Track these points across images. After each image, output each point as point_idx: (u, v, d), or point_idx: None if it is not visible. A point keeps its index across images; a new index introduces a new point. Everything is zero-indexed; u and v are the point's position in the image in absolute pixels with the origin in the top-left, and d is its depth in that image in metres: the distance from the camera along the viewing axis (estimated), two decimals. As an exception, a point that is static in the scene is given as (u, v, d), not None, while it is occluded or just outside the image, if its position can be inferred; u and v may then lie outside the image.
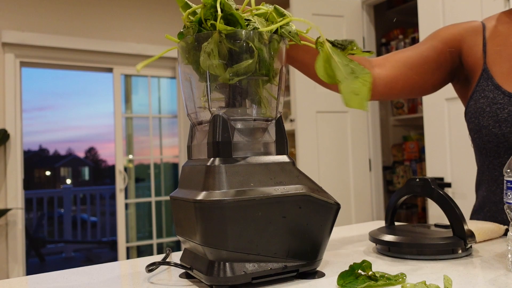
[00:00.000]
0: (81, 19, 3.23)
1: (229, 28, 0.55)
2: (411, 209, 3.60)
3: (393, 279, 0.54)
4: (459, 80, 0.97)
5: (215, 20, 0.56)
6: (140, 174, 3.82)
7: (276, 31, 0.60)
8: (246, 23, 0.57)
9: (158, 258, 0.74)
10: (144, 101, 3.69)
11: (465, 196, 2.10)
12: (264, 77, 0.59)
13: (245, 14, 0.59)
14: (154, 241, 3.62)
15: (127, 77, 3.62)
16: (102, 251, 6.71)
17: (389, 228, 0.77)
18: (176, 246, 3.80)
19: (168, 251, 0.72)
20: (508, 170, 0.58)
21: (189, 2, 0.60)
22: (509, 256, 0.58)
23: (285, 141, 0.61)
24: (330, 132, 2.85)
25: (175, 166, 3.90)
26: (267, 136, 0.60)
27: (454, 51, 0.92)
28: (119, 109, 3.42)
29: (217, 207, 0.52)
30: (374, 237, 0.72)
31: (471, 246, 0.69)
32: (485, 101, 0.86)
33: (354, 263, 0.55)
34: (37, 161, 18.17)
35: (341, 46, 0.61)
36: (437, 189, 0.71)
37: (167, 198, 3.64)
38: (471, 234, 0.67)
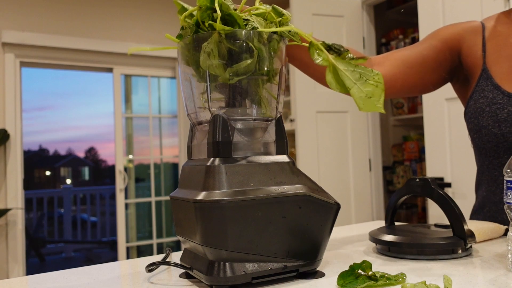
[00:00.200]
0: (81, 19, 3.23)
1: (227, 28, 0.55)
2: (411, 209, 3.60)
3: (393, 279, 0.54)
4: (459, 80, 0.97)
5: (213, 21, 0.56)
6: (140, 174, 3.82)
7: (276, 31, 0.60)
8: (245, 23, 0.57)
9: (158, 258, 0.74)
10: (144, 101, 3.69)
11: (465, 196, 2.10)
12: (264, 77, 0.59)
13: (243, 14, 0.59)
14: (154, 241, 3.62)
15: (127, 77, 3.62)
16: (102, 251, 6.71)
17: (389, 228, 0.77)
18: (176, 246, 3.80)
19: (168, 251, 0.72)
20: (508, 170, 0.58)
21: (185, 5, 0.60)
22: (509, 256, 0.58)
23: (285, 141, 0.61)
24: (330, 132, 2.85)
25: (175, 166, 3.90)
26: (267, 136, 0.60)
27: (453, 51, 0.93)
28: (119, 109, 3.42)
29: (217, 207, 0.52)
30: (374, 237, 0.72)
31: (471, 246, 0.69)
32: (485, 101, 0.86)
33: (354, 263, 0.55)
34: (37, 161, 18.17)
35: (338, 51, 0.61)
36: (437, 189, 0.71)
37: (167, 198, 3.64)
38: (471, 234, 0.67)
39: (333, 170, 2.85)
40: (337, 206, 0.60)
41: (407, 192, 0.77)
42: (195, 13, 0.58)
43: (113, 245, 5.94)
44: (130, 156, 3.69)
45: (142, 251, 3.69)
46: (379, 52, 3.49)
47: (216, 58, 0.56)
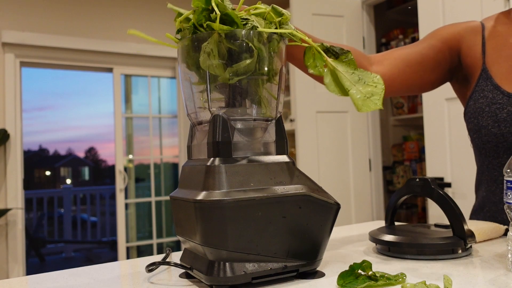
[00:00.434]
0: (81, 19, 3.23)
1: (225, 27, 0.55)
2: (411, 209, 3.60)
3: (393, 279, 0.54)
4: (458, 80, 0.97)
5: (210, 21, 0.56)
6: (140, 174, 3.82)
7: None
8: (244, 23, 0.57)
9: (158, 258, 0.74)
10: (144, 101, 3.69)
11: (465, 196, 2.10)
12: (264, 77, 0.59)
13: (241, 13, 0.59)
14: (154, 241, 3.62)
15: (127, 77, 3.62)
16: (102, 251, 6.71)
17: (389, 228, 0.77)
18: (176, 246, 3.80)
19: (168, 251, 0.72)
20: (508, 170, 0.58)
21: (181, 11, 0.60)
22: (509, 256, 0.58)
23: (285, 141, 0.61)
24: (330, 132, 2.85)
25: (175, 166, 3.90)
26: (267, 136, 0.60)
27: (453, 51, 0.93)
28: (119, 109, 3.42)
29: (217, 207, 0.52)
30: (374, 237, 0.72)
31: (471, 246, 0.69)
32: (484, 101, 0.86)
33: (354, 263, 0.55)
34: (37, 161, 18.17)
35: (335, 54, 0.61)
36: (437, 189, 0.71)
37: (167, 198, 3.64)
38: (471, 234, 0.67)
39: (333, 170, 2.85)
40: (337, 206, 0.60)
41: (407, 192, 0.77)
42: (190, 16, 0.59)
43: (113, 245, 5.94)
44: (130, 156, 3.69)
45: (142, 251, 3.69)
46: (379, 52, 3.49)
47: (216, 58, 0.56)
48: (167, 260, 0.68)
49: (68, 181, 17.14)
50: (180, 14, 0.60)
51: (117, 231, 3.37)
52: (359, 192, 2.93)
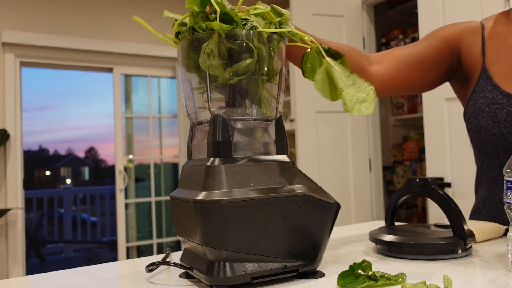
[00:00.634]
0: (81, 19, 3.23)
1: (225, 26, 0.55)
2: (411, 209, 3.60)
3: (393, 279, 0.54)
4: (458, 80, 0.97)
5: (206, 24, 0.56)
6: (140, 174, 3.82)
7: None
8: (244, 22, 0.57)
9: (158, 258, 0.74)
10: (144, 101, 3.69)
11: (465, 196, 2.10)
12: (264, 77, 0.59)
13: (241, 13, 0.59)
14: (154, 241, 3.62)
15: (127, 77, 3.62)
16: (102, 251, 6.71)
17: (389, 228, 0.77)
18: (176, 246, 3.80)
19: (168, 251, 0.72)
20: (508, 170, 0.58)
21: (177, 17, 0.60)
22: (509, 256, 0.58)
23: (285, 141, 0.61)
24: (330, 132, 2.85)
25: (175, 166, 3.90)
26: (267, 136, 0.60)
27: (453, 51, 0.93)
28: (119, 109, 3.42)
29: (217, 207, 0.52)
30: (374, 237, 0.72)
31: (471, 246, 0.69)
32: (484, 101, 0.86)
33: (354, 263, 0.55)
34: (37, 161, 18.18)
35: (333, 56, 0.61)
36: (437, 189, 0.71)
37: (167, 198, 3.64)
38: (471, 234, 0.67)
39: (333, 170, 2.85)
40: (337, 206, 0.60)
41: (407, 192, 0.77)
42: (187, 20, 0.59)
43: (113, 245, 5.94)
44: (130, 156, 3.69)
45: (142, 251, 3.69)
46: (379, 52, 3.48)
47: (216, 59, 0.56)
48: (167, 260, 0.68)
49: (68, 181, 17.14)
50: (177, 24, 0.60)
51: (117, 231, 3.37)
52: (359, 192, 2.93)
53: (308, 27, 2.72)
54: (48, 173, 17.54)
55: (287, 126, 3.02)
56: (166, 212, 3.72)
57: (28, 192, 7.03)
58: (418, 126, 3.46)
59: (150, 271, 0.63)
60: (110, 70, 3.43)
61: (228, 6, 0.57)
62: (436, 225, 0.77)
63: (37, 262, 5.89)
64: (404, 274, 0.56)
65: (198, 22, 0.57)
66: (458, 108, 1.93)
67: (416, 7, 2.38)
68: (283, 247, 0.56)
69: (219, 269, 0.53)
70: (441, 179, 2.23)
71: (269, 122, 0.61)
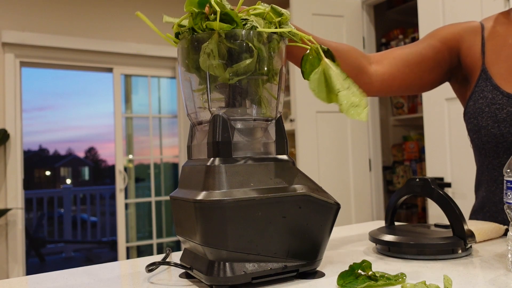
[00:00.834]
0: (81, 19, 3.23)
1: (225, 25, 0.55)
2: (411, 209, 3.60)
3: (393, 279, 0.54)
4: (458, 80, 0.97)
5: (206, 24, 0.56)
6: (140, 174, 3.82)
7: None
8: (244, 23, 0.57)
9: (158, 258, 0.74)
10: (144, 101, 3.69)
11: (465, 196, 2.10)
12: (264, 77, 0.59)
13: (241, 13, 0.59)
14: (154, 241, 3.62)
15: (127, 77, 3.62)
16: (102, 251, 6.71)
17: (389, 228, 0.77)
18: (176, 246, 3.80)
19: (168, 251, 0.72)
20: (508, 170, 0.58)
21: (175, 21, 0.61)
22: (509, 256, 0.58)
23: (285, 141, 0.61)
24: (330, 132, 2.85)
25: (175, 166, 3.90)
26: (267, 136, 0.60)
27: (452, 51, 0.93)
28: (119, 109, 3.42)
29: (217, 207, 0.52)
30: (374, 237, 0.72)
31: (471, 246, 0.69)
32: (484, 102, 0.86)
33: (354, 263, 0.55)
34: (37, 161, 18.18)
35: (332, 57, 0.61)
36: (437, 189, 0.71)
37: (167, 198, 3.64)
38: (471, 234, 0.67)
39: (333, 170, 2.85)
40: (337, 206, 0.60)
41: (407, 192, 0.77)
42: (184, 22, 0.59)
43: (113, 245, 5.94)
44: (130, 156, 3.69)
45: (142, 251, 3.69)
46: (379, 52, 3.48)
47: (216, 59, 0.56)
48: (167, 260, 0.68)
49: (68, 181, 17.15)
50: (177, 25, 0.60)
51: (117, 231, 3.37)
52: (359, 192, 2.93)
53: (308, 27, 2.72)
54: (48, 173, 17.55)
55: (287, 126, 3.02)
56: (166, 212, 3.72)
57: (28, 192, 7.04)
58: (418, 126, 3.46)
59: (150, 271, 0.63)
60: (110, 70, 3.43)
61: (228, 6, 0.57)
62: (436, 225, 0.77)
63: (37, 262, 5.89)
64: (404, 274, 0.56)
65: (197, 23, 0.57)
66: (458, 108, 1.93)
67: (416, 7, 2.38)
68: (283, 247, 0.56)
69: (219, 269, 0.53)
70: (441, 179, 2.23)
71: (269, 122, 0.61)
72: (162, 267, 0.69)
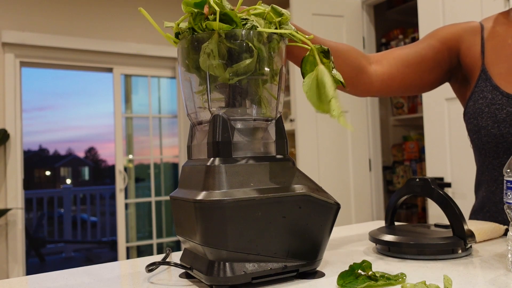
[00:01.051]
0: (81, 19, 3.23)
1: (225, 26, 0.55)
2: (411, 209, 3.60)
3: (393, 279, 0.54)
4: (457, 80, 0.97)
5: (206, 24, 0.56)
6: (140, 174, 3.82)
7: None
8: (244, 22, 0.57)
9: (158, 258, 0.74)
10: (144, 101, 3.69)
11: (465, 196, 2.10)
12: (264, 77, 0.59)
13: (241, 14, 0.59)
14: (154, 241, 3.62)
15: (127, 77, 3.62)
16: (102, 251, 6.71)
17: (389, 228, 0.77)
18: (176, 246, 3.80)
19: (168, 251, 0.72)
20: (508, 170, 0.58)
21: (172, 24, 0.61)
22: (509, 256, 0.58)
23: (285, 141, 0.61)
24: (330, 132, 2.85)
25: (175, 166, 3.90)
26: (267, 136, 0.60)
27: (452, 51, 0.93)
28: (119, 109, 3.42)
29: (217, 207, 0.52)
30: (374, 237, 0.72)
31: (471, 246, 0.69)
32: (484, 102, 0.86)
33: (354, 263, 0.55)
34: (37, 161, 18.18)
35: (332, 59, 0.61)
36: (437, 189, 0.71)
37: (167, 198, 3.64)
38: (471, 234, 0.67)
39: (333, 170, 2.85)
40: (337, 206, 0.60)
41: (407, 192, 0.77)
42: (182, 24, 0.59)
43: (113, 245, 5.94)
44: (130, 156, 3.69)
45: (142, 251, 3.69)
46: (379, 52, 3.48)
47: (216, 59, 0.56)
48: (167, 260, 0.68)
49: (68, 181, 17.15)
50: (177, 25, 0.60)
51: (117, 231, 3.37)
52: (359, 192, 2.93)
53: (308, 27, 2.72)
54: (48, 173, 17.55)
55: (287, 126, 3.02)
56: (166, 212, 3.72)
57: (28, 192, 7.03)
58: (418, 126, 3.46)
59: (150, 271, 0.63)
60: (110, 70, 3.43)
61: (228, 6, 0.57)
62: (436, 225, 0.77)
63: (37, 262, 5.89)
64: (404, 274, 0.56)
65: (197, 24, 0.57)
66: (458, 108, 1.93)
67: (416, 7, 2.38)
68: (283, 247, 0.56)
69: (219, 269, 0.53)
70: (441, 179, 2.23)
71: (269, 122, 0.61)
72: (162, 267, 0.69)
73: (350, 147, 2.92)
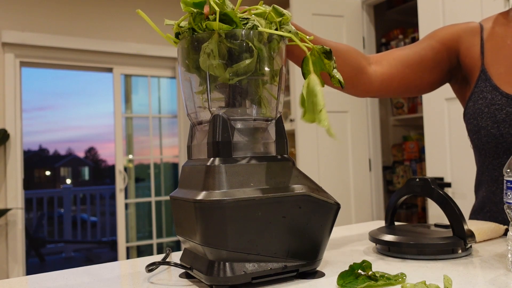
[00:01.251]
0: (81, 19, 3.23)
1: (225, 26, 0.55)
2: (411, 209, 3.60)
3: (393, 279, 0.54)
4: (457, 81, 0.97)
5: (206, 24, 0.56)
6: (140, 174, 3.82)
7: (275, 30, 0.60)
8: (244, 22, 0.57)
9: (158, 258, 0.74)
10: (144, 101, 3.69)
11: (465, 196, 2.10)
12: (264, 77, 0.59)
13: (242, 14, 0.59)
14: (154, 241, 3.62)
15: (127, 77, 3.62)
16: (102, 251, 6.71)
17: (389, 228, 0.77)
18: (176, 246, 3.80)
19: (168, 251, 0.72)
20: (508, 170, 0.58)
21: (173, 22, 0.61)
22: (509, 256, 0.58)
23: (285, 141, 0.61)
24: (330, 132, 2.85)
25: (175, 166, 3.90)
26: (267, 136, 0.60)
27: (451, 51, 0.93)
28: (119, 109, 3.42)
29: (217, 207, 0.52)
30: (374, 237, 0.72)
31: (471, 246, 0.69)
32: (484, 102, 0.86)
33: (354, 263, 0.55)
34: (37, 161, 18.19)
35: (332, 60, 0.61)
36: (437, 189, 0.71)
37: (167, 198, 3.64)
38: (471, 234, 0.67)
39: (333, 170, 2.85)
40: (337, 206, 0.60)
41: (407, 192, 0.77)
42: (182, 24, 0.59)
43: (113, 245, 5.94)
44: (130, 156, 3.69)
45: (142, 251, 3.69)
46: (379, 52, 3.49)
47: (216, 59, 0.56)
48: (167, 260, 0.68)
49: (68, 181, 17.15)
50: (177, 25, 0.60)
51: (117, 231, 3.37)
52: (359, 192, 2.93)
53: (308, 27, 2.72)
54: (48, 173, 17.55)
55: (287, 126, 3.02)
56: (166, 212, 3.72)
57: (28, 192, 7.04)
58: (418, 126, 3.46)
59: (150, 271, 0.63)
60: (110, 70, 3.43)
61: (230, 6, 0.57)
62: (436, 225, 0.77)
63: (37, 262, 5.89)
64: (404, 274, 0.56)
65: (197, 24, 0.57)
66: (458, 108, 1.93)
67: (416, 7, 2.38)
68: (283, 247, 0.56)
69: (219, 269, 0.53)
70: (441, 179, 2.23)
71: (269, 122, 0.61)
72: (162, 267, 0.69)
73: (350, 147, 2.92)
